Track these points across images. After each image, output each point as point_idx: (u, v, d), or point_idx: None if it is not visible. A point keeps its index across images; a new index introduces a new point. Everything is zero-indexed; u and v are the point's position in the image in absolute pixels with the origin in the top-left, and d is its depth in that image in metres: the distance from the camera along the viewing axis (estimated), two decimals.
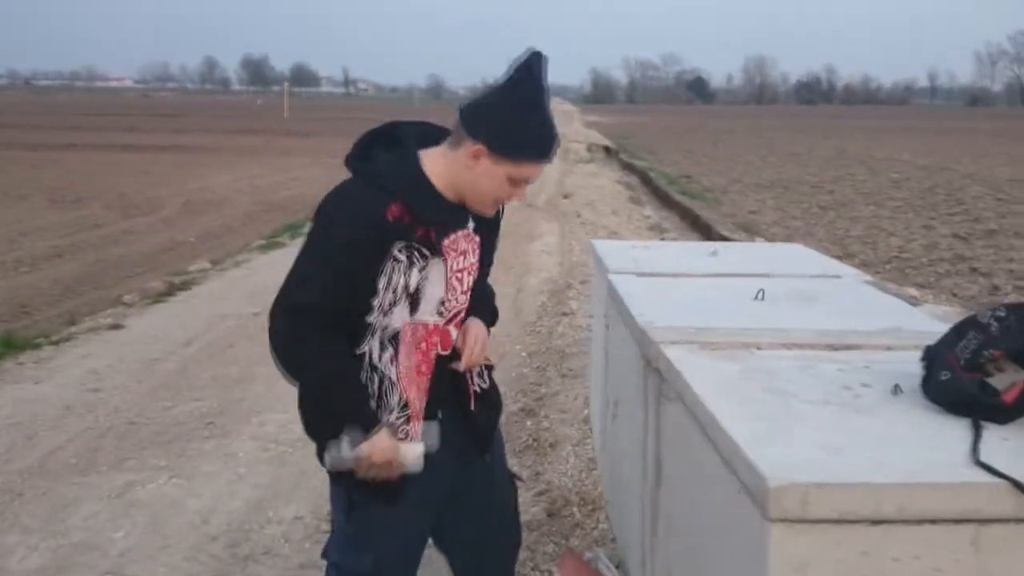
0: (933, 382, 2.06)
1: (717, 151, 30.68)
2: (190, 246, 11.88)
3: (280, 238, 12.04)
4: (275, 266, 9.94)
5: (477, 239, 2.25)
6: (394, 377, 2.17)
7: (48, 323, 7.52)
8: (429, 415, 2.26)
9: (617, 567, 3.22)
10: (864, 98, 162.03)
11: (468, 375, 2.37)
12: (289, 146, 31.08)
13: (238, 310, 7.77)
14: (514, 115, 2.04)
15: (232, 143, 31.53)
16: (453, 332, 2.26)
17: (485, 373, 2.46)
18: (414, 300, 2.14)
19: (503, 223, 2.37)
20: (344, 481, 2.26)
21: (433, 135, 2.21)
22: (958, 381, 2.01)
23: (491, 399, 2.47)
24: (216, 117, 55.90)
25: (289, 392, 5.46)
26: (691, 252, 4.18)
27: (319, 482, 4.28)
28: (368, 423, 2.12)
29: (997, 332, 2.06)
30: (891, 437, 1.90)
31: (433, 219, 2.11)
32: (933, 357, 2.10)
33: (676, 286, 3.44)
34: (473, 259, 2.25)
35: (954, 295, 8.65)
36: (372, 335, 2.16)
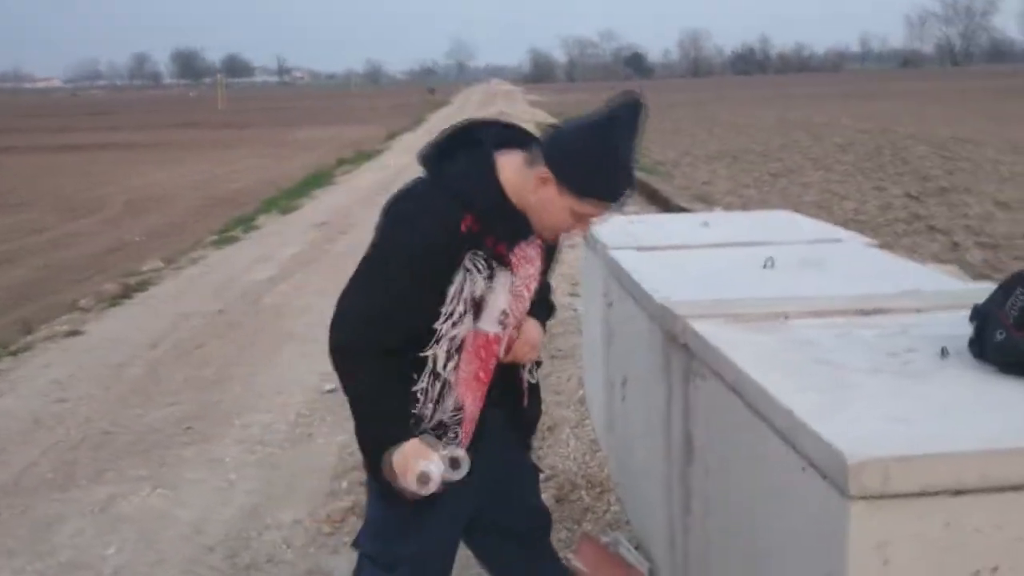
0: (989, 342, 1.99)
1: (662, 125, 30.70)
2: (137, 246, 11.54)
3: (233, 232, 11.75)
4: (232, 262, 9.74)
5: (540, 248, 2.20)
6: (454, 383, 2.13)
7: (2, 333, 7.21)
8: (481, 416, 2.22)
9: (636, 548, 3.14)
10: (798, 66, 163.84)
11: (521, 371, 2.35)
12: (227, 138, 30.51)
13: (201, 308, 7.54)
14: (590, 153, 1.98)
15: (169, 138, 30.85)
16: (512, 334, 2.23)
17: (535, 369, 2.44)
18: (477, 309, 2.09)
19: None
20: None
21: (509, 136, 2.14)
22: (1014, 340, 1.95)
23: (537, 393, 2.45)
24: (150, 112, 54.73)
25: (272, 390, 5.42)
26: (683, 224, 4.11)
27: (316, 483, 4.16)
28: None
29: None
30: (956, 403, 1.83)
31: (504, 230, 2.07)
32: (984, 317, 2.03)
33: (680, 259, 3.36)
34: (536, 268, 2.20)
35: (915, 253, 8.73)
36: (438, 342, 2.08)
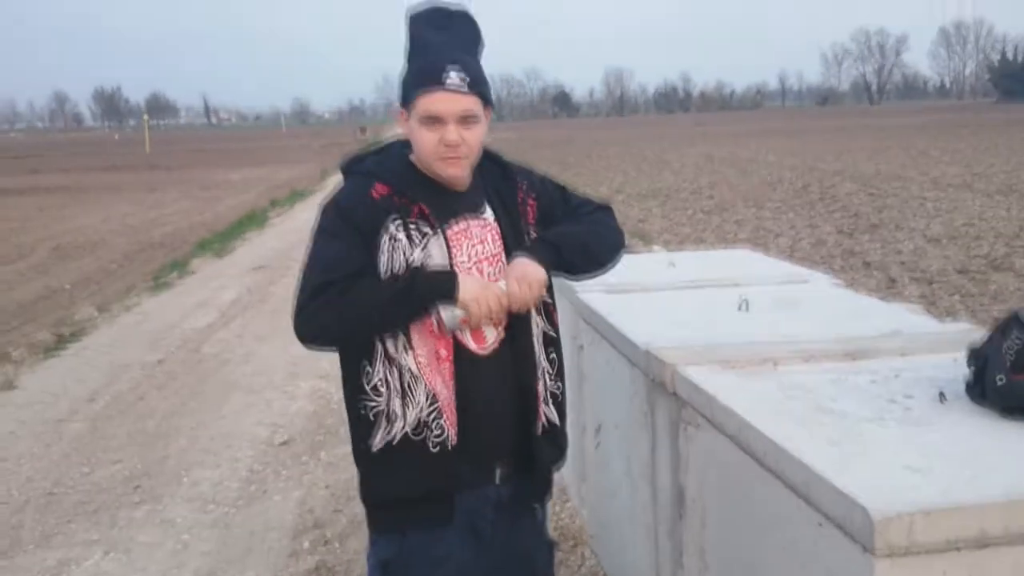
0: (989, 387, 1.98)
1: (592, 163, 31.09)
2: (67, 293, 11.15)
3: (167, 277, 11.46)
4: (168, 308, 9.46)
5: (497, 227, 2.12)
6: (415, 368, 2.02)
7: None
8: (489, 459, 2.10)
9: None
10: (719, 104, 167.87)
11: (538, 393, 2.14)
12: (155, 181, 29.92)
13: (140, 358, 7.29)
14: (406, 64, 2.07)
15: (95, 181, 30.12)
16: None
17: (558, 388, 2.22)
18: None
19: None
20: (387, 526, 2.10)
21: None
22: (1016, 384, 1.94)
23: (556, 436, 2.21)
24: (73, 155, 53.44)
25: (220, 444, 5.22)
26: (647, 264, 4.08)
27: (274, 543, 4.01)
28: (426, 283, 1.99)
29: None
30: (968, 451, 1.81)
31: (419, 195, 2.03)
32: (984, 360, 2.02)
33: (652, 301, 3.33)
34: (494, 248, 2.10)
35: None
36: None
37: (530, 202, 2.19)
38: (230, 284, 10.74)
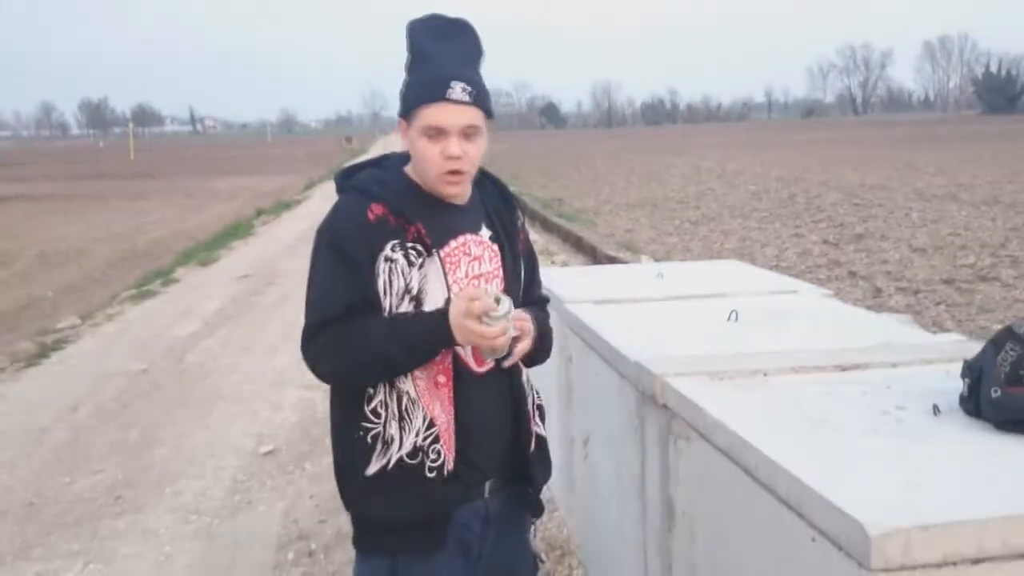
0: (984, 400, 1.96)
1: (580, 174, 31.10)
2: (50, 301, 11.06)
3: (151, 286, 11.37)
4: (152, 317, 9.39)
5: (495, 247, 2.09)
6: (413, 393, 1.99)
7: None
8: (475, 476, 2.06)
9: None
10: (706, 116, 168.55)
11: (527, 413, 2.15)
12: (140, 189, 29.79)
13: (123, 368, 7.21)
14: (407, 77, 2.02)
15: (80, 189, 29.95)
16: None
17: (541, 400, 2.26)
18: (417, 303, 1.98)
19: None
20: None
21: None
22: (1011, 397, 1.92)
23: (545, 451, 2.23)
24: (58, 163, 53.15)
25: (204, 454, 5.16)
26: (635, 275, 4.07)
27: (259, 554, 3.96)
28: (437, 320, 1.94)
29: None
30: (964, 465, 1.79)
31: (416, 214, 1.99)
32: (978, 373, 2.00)
33: (641, 312, 3.31)
34: (491, 267, 2.07)
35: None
36: None
37: (521, 236, 2.20)
38: (214, 293, 10.67)
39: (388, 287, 1.95)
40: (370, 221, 1.96)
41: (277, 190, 27.34)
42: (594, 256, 12.37)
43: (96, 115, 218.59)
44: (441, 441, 1.99)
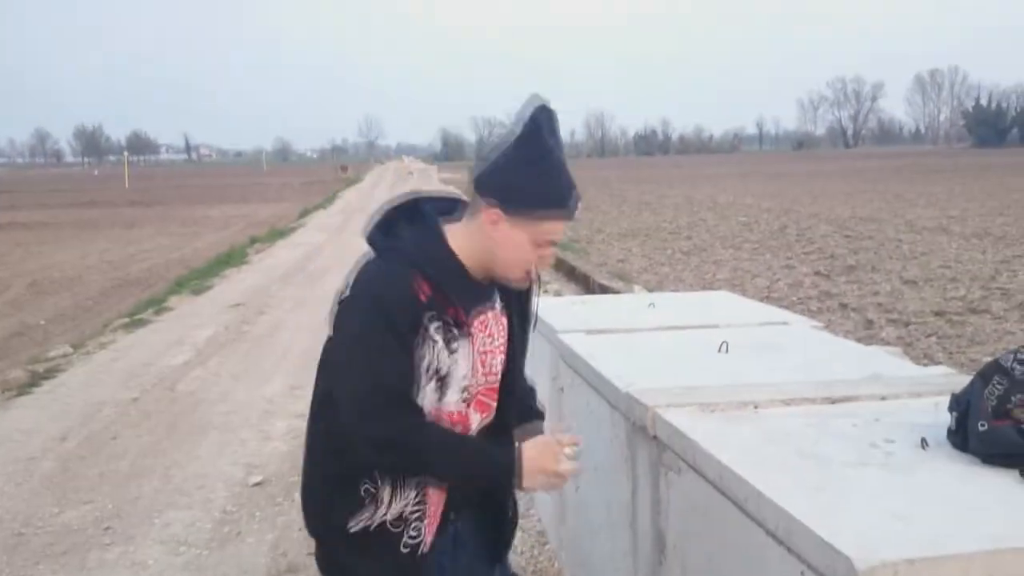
0: (971, 433, 1.98)
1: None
2: (42, 329, 11.01)
3: (143, 314, 11.33)
4: (144, 346, 9.35)
5: (504, 320, 2.08)
6: None
7: None
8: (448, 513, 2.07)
9: None
10: (698, 147, 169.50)
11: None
12: (134, 217, 29.74)
13: (114, 397, 7.17)
14: (529, 167, 1.88)
15: (73, 217, 29.93)
16: (473, 416, 2.03)
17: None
18: (443, 384, 1.95)
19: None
20: None
21: (457, 207, 2.04)
22: (998, 431, 1.93)
23: (516, 510, 2.29)
24: (52, 191, 53.08)
25: (193, 485, 5.13)
26: (627, 305, 4.08)
27: None
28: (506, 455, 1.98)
29: (1021, 376, 1.99)
30: (951, 498, 1.80)
31: (458, 294, 1.93)
32: (965, 407, 2.01)
33: (633, 343, 3.32)
34: (500, 341, 2.07)
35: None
36: None
37: (531, 300, 2.19)
38: (207, 322, 10.63)
39: (427, 365, 1.92)
40: (422, 301, 1.89)
41: (271, 218, 27.33)
42: (587, 285, 12.38)
43: (91, 143, 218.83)
44: (426, 520, 2.00)
